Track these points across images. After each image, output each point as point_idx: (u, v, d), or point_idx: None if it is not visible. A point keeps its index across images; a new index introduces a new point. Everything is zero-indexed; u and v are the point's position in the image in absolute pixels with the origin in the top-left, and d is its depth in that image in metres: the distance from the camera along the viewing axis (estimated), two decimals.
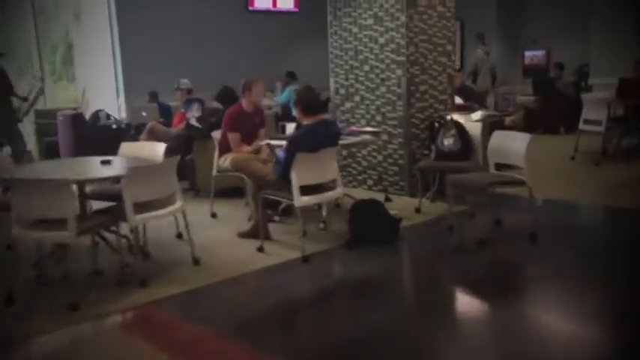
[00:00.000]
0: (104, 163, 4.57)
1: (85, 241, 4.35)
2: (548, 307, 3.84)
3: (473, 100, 8.40)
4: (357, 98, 6.76)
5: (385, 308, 3.86)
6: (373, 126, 6.48)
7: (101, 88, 10.20)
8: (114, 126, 8.30)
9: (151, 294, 4.03)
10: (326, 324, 3.74)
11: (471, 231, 5.19)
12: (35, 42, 9.92)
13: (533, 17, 12.70)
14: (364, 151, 6.74)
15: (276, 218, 5.57)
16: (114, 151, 5.07)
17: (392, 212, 5.17)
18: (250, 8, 11.32)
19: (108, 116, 8.54)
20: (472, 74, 11.51)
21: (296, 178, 4.52)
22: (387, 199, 6.14)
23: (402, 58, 6.26)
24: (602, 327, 3.58)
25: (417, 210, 5.75)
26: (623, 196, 6.29)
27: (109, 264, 4.40)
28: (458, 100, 7.57)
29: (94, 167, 4.59)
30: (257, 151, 5.62)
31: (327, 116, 5.98)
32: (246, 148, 5.58)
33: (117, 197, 4.26)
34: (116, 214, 4.23)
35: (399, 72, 6.30)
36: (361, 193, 6.31)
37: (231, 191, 6.19)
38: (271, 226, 5.24)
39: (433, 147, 6.00)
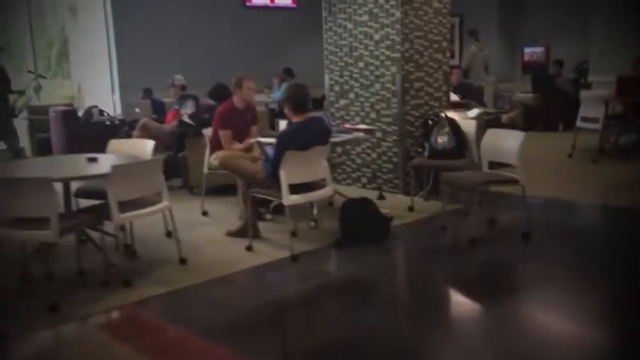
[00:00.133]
0: (91, 160, 4.50)
1: (72, 240, 4.30)
2: (541, 306, 3.79)
3: (470, 97, 8.32)
4: (351, 95, 6.68)
5: (375, 308, 3.80)
6: (367, 123, 6.42)
7: (96, 85, 10.13)
8: (107, 122, 8.24)
9: (136, 294, 3.96)
10: (315, 324, 3.69)
11: (464, 230, 5.13)
12: (30, 38, 9.84)
13: (533, 15, 12.61)
14: (358, 149, 6.67)
15: (268, 216, 5.52)
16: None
17: (383, 211, 5.10)
18: (248, 4, 11.23)
19: (101, 112, 8.48)
20: (466, 71, 11.39)
21: (285, 176, 4.44)
22: (381, 197, 6.08)
23: (396, 55, 6.18)
24: (596, 326, 3.52)
25: (411, 208, 5.68)
26: (620, 195, 6.22)
27: (94, 264, 4.32)
28: (454, 98, 7.50)
29: (80, 165, 4.52)
30: (249, 149, 5.55)
31: (321, 113, 5.92)
32: (238, 146, 5.51)
33: (105, 195, 4.19)
34: (101, 213, 4.16)
35: (394, 69, 6.23)
36: (355, 191, 6.24)
37: (223, 189, 6.12)
38: (261, 225, 5.18)
39: (427, 145, 5.93)
